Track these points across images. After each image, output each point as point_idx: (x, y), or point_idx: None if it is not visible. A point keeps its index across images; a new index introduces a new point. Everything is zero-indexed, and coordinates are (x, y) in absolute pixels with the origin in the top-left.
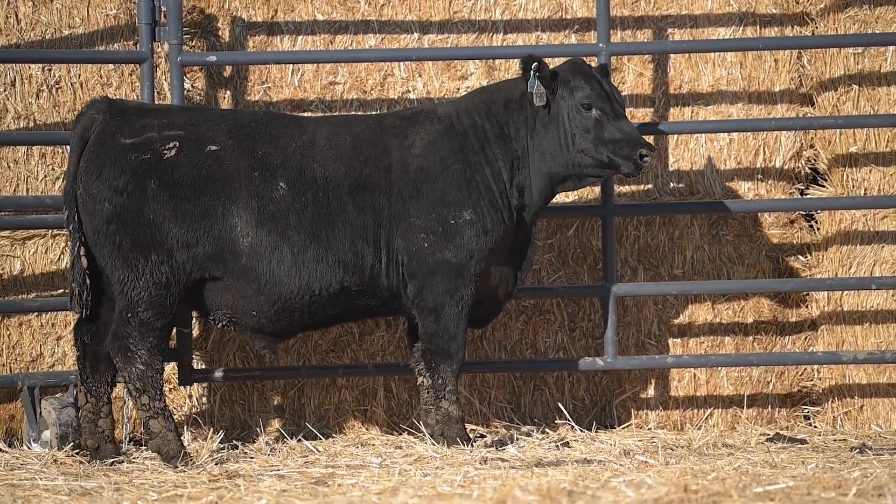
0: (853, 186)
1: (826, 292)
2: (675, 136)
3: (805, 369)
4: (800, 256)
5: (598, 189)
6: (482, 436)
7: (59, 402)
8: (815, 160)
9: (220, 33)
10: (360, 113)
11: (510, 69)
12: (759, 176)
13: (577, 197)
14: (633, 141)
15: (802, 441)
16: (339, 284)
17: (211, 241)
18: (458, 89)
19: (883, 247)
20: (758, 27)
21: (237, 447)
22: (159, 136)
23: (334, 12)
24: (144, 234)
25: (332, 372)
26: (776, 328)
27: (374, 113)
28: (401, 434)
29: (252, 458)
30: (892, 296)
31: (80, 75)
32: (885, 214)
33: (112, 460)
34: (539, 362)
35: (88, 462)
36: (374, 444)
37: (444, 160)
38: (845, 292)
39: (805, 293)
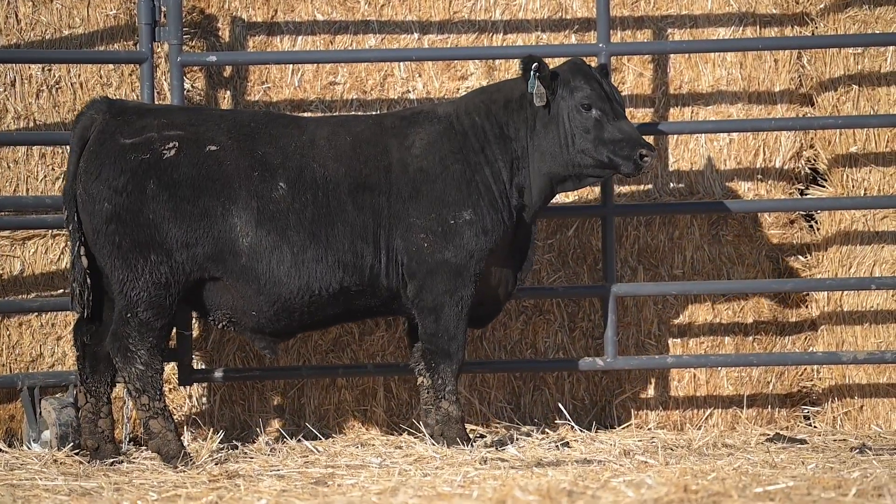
0: (853, 186)
1: (826, 292)
2: (675, 136)
3: (805, 369)
4: (800, 256)
5: (598, 189)
6: (482, 436)
7: (59, 402)
8: (814, 160)
9: (220, 33)
10: (359, 113)
11: (510, 69)
12: (759, 176)
13: (577, 197)
14: (634, 141)
15: (802, 441)
16: (338, 284)
17: (210, 242)
18: (458, 89)
19: (883, 247)
20: (758, 27)
21: (237, 447)
22: (159, 136)
23: (334, 12)
24: (144, 235)
25: (332, 372)
26: (776, 328)
27: (373, 113)
28: (401, 434)
29: (252, 458)
30: (892, 296)
31: (80, 75)
32: (885, 214)
33: (112, 460)
34: (539, 362)
35: (88, 462)
36: (373, 445)
37: (443, 160)
38: (845, 292)
39: (805, 293)
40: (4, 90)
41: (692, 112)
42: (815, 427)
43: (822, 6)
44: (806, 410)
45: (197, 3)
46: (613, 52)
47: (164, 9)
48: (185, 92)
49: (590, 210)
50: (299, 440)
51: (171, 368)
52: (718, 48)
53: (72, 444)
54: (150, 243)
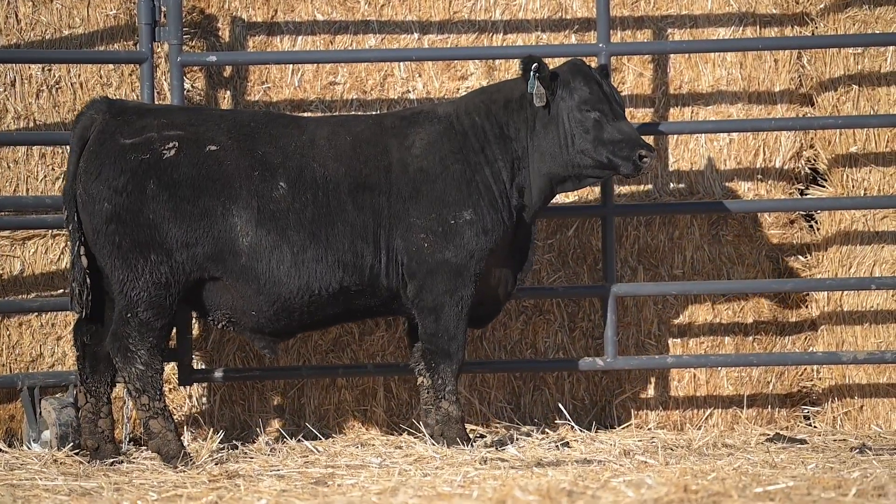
0: (853, 186)
1: (826, 292)
2: (675, 136)
3: (805, 369)
4: (800, 256)
5: (598, 189)
6: (482, 436)
7: (59, 402)
8: (814, 160)
9: (219, 33)
10: (359, 113)
11: (510, 69)
12: (759, 176)
13: (577, 197)
14: (633, 142)
15: (802, 441)
16: (338, 284)
17: (210, 241)
18: (458, 89)
19: (883, 247)
20: (758, 27)
21: (237, 447)
22: (159, 136)
23: (334, 12)
24: (144, 235)
25: (332, 372)
26: (776, 328)
27: (373, 113)
28: (401, 434)
29: (252, 458)
30: (892, 296)
31: (80, 75)
32: (885, 214)
33: (112, 460)
34: (539, 362)
35: (88, 462)
36: (373, 445)
37: (443, 160)
38: (845, 292)
39: (805, 293)
40: (4, 90)
41: (692, 112)
42: (815, 427)
43: (822, 6)
44: (806, 410)
45: (197, 3)
46: (613, 52)
47: (164, 9)
48: (185, 92)
49: (590, 210)
50: (299, 440)
51: (171, 368)
52: (718, 48)
53: (72, 444)
54: (150, 243)
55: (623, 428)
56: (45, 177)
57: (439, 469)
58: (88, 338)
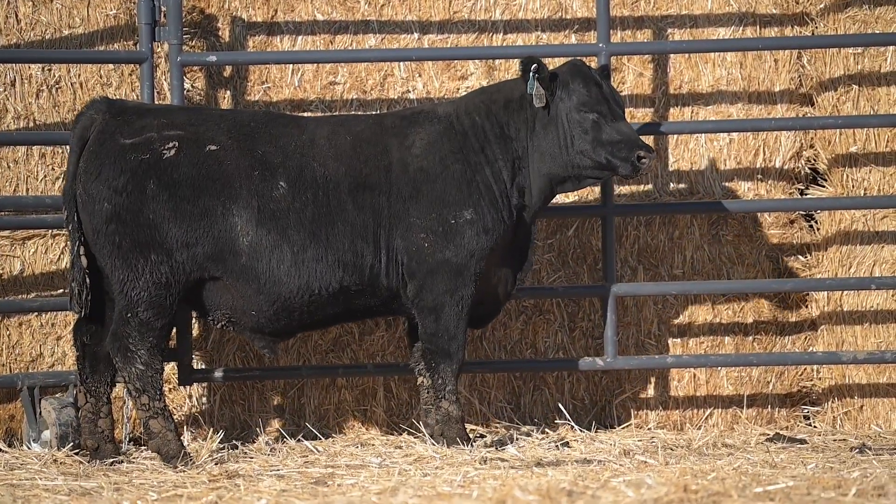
0: (853, 186)
1: (826, 292)
2: (675, 136)
3: (805, 369)
4: (800, 256)
5: (598, 189)
6: (482, 436)
7: (59, 402)
8: (814, 160)
9: (219, 33)
10: (359, 113)
11: (510, 69)
12: (759, 176)
13: (577, 197)
14: (631, 143)
15: (802, 441)
16: (338, 284)
17: (210, 241)
18: (458, 89)
19: (883, 247)
20: (758, 27)
21: (237, 447)
22: (159, 136)
23: (334, 12)
24: (144, 234)
25: (332, 372)
26: (776, 328)
27: (373, 113)
28: (401, 434)
29: (252, 458)
30: (892, 296)
31: (79, 75)
32: (885, 214)
33: (112, 460)
34: (539, 362)
35: (88, 462)
36: (373, 444)
37: (444, 160)
38: (845, 292)
39: (805, 293)
40: (4, 90)
41: (692, 112)
42: (814, 427)
43: (822, 6)
44: (806, 410)
45: (197, 3)
46: (613, 51)
47: (164, 9)
48: (185, 92)
49: (590, 210)
50: (299, 440)
51: (171, 368)
52: (718, 48)
53: (72, 443)
54: (151, 243)
55: (623, 428)
56: (45, 177)
57: (439, 469)
58: (88, 338)
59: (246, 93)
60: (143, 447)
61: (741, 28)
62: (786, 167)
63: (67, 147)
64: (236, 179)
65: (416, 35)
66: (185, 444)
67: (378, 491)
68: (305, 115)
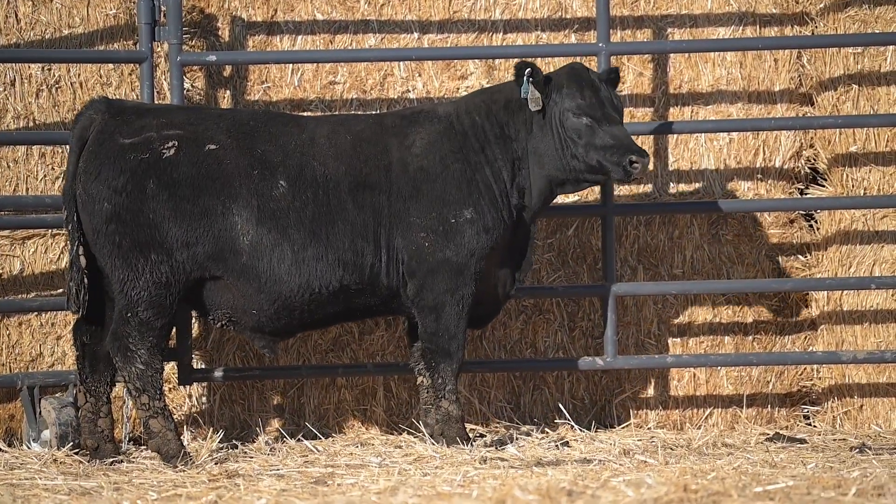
0: (853, 186)
1: (826, 292)
2: (675, 135)
3: (805, 369)
4: (799, 256)
5: (598, 188)
6: (482, 435)
7: (59, 401)
8: (814, 160)
9: (219, 33)
10: (359, 112)
11: (510, 69)
12: (759, 175)
13: (577, 196)
14: (624, 147)
15: (802, 441)
16: (338, 283)
17: (211, 240)
18: (458, 89)
19: (882, 246)
20: (757, 27)
21: (237, 447)
22: (158, 136)
23: (334, 12)
24: (144, 234)
25: (332, 371)
26: (776, 328)
27: (374, 112)
28: (400, 434)
29: (252, 457)
30: (892, 295)
31: (79, 75)
32: (885, 214)
33: (111, 460)
34: (539, 362)
35: (88, 462)
36: (373, 444)
37: (444, 159)
38: (845, 292)
39: (805, 293)
40: (4, 90)
41: (692, 112)
42: (814, 427)
43: (821, 6)
44: (806, 410)
45: (197, 3)
46: (613, 51)
47: (163, 8)
48: (184, 91)
49: (590, 209)
50: (299, 440)
51: (170, 368)
52: (718, 48)
53: (71, 443)
54: (151, 243)
55: (623, 427)
56: (45, 176)
57: (439, 468)
58: (88, 337)
59: (246, 92)
60: (142, 447)
61: (741, 27)
62: (786, 167)
63: (67, 147)
64: (236, 178)
65: (415, 35)
66: (185, 443)
67: (378, 490)
68: (305, 114)
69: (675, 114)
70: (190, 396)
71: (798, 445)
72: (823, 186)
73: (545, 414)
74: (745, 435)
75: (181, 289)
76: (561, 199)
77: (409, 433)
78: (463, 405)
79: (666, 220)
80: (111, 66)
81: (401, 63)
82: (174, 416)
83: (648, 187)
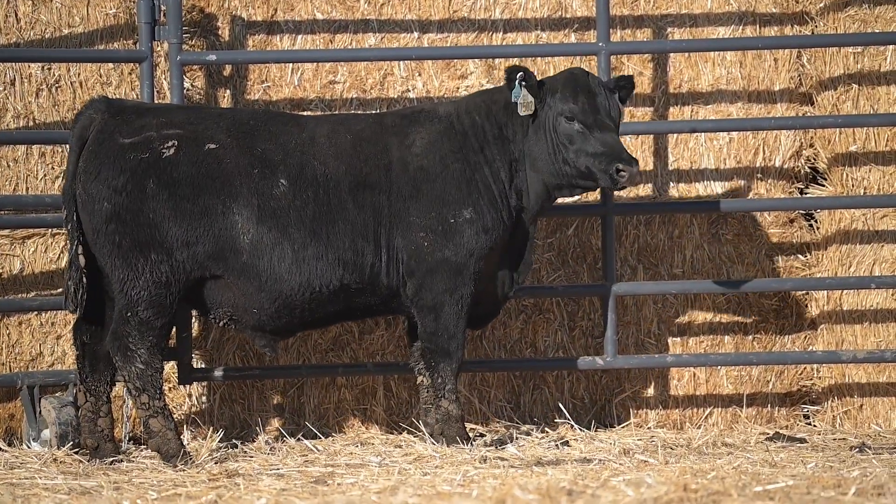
0: (853, 185)
1: (826, 291)
2: (675, 135)
3: (805, 368)
4: (799, 256)
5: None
6: (482, 435)
7: (59, 400)
8: (814, 159)
9: (219, 32)
10: (359, 112)
11: None
12: (759, 175)
13: (577, 196)
14: (612, 155)
15: (802, 440)
16: (339, 282)
17: (211, 240)
18: (458, 88)
19: (882, 246)
20: (757, 26)
21: (237, 446)
22: (158, 136)
23: (334, 11)
24: (144, 234)
25: (332, 371)
26: (776, 327)
27: (374, 112)
28: (400, 433)
29: (252, 457)
30: (892, 295)
31: (79, 74)
32: (885, 213)
33: (111, 459)
34: (539, 361)
35: (88, 461)
36: (373, 443)
37: (443, 159)
38: (845, 291)
39: (805, 292)
40: (4, 89)
41: (692, 111)
42: (814, 426)
43: (821, 5)
44: (805, 409)
45: (197, 2)
46: (613, 50)
47: (163, 8)
48: (184, 91)
49: (590, 209)
50: (299, 439)
51: (170, 367)
52: (718, 47)
53: (71, 443)
54: (151, 242)
55: (623, 427)
56: (45, 176)
57: (439, 468)
58: (88, 337)
59: (246, 92)
60: (142, 446)
61: (741, 27)
62: (785, 166)
63: (67, 146)
64: (236, 177)
65: (415, 34)
66: (185, 443)
67: (378, 490)
68: (305, 113)
69: (674, 113)
70: (190, 396)
71: (798, 445)
72: (823, 186)
73: (545, 413)
74: (744, 434)
75: (181, 288)
76: (561, 198)
77: (409, 432)
78: (463, 405)
79: (666, 219)
80: (111, 65)
81: (401, 62)
82: (174, 416)
83: (648, 187)
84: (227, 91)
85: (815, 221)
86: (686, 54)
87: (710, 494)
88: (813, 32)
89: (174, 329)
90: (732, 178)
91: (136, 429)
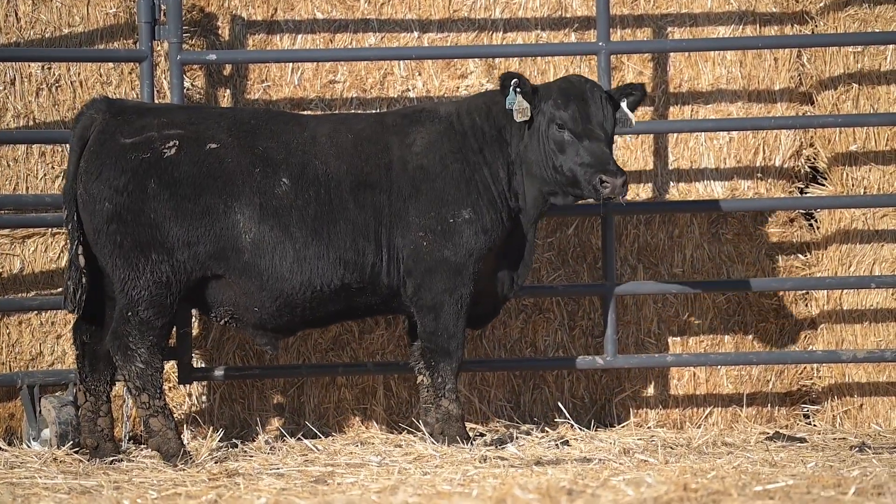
0: (853, 185)
1: (826, 291)
2: (675, 134)
3: (804, 368)
4: (799, 255)
5: None
6: (482, 434)
7: (59, 400)
8: (814, 159)
9: (219, 32)
10: (360, 111)
11: (510, 68)
12: (759, 174)
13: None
14: (597, 166)
15: (802, 440)
16: (340, 281)
17: (212, 240)
18: (458, 88)
19: (882, 245)
20: (757, 26)
21: (237, 446)
22: (159, 135)
23: (334, 11)
24: (145, 234)
25: (332, 370)
26: (776, 327)
27: (375, 111)
28: (400, 433)
29: (252, 456)
30: (892, 294)
31: (79, 74)
32: (885, 213)
33: (111, 459)
34: (539, 361)
35: (88, 460)
36: (373, 443)
37: (443, 159)
38: (845, 291)
39: (805, 292)
40: (4, 88)
41: (692, 110)
42: (814, 426)
43: (821, 4)
44: (805, 409)
45: (197, 2)
46: (613, 50)
47: (163, 7)
48: (184, 90)
49: (590, 208)
50: (299, 439)
51: (170, 367)
52: (718, 46)
53: (71, 442)
54: (152, 242)
55: (623, 426)
56: (45, 175)
57: (439, 467)
58: (88, 336)
59: (246, 91)
60: (142, 445)
61: (741, 26)
62: (786, 166)
63: (67, 146)
64: (238, 177)
65: (415, 34)
66: (185, 442)
67: (378, 489)
68: (306, 113)
69: (675, 113)
70: (190, 395)
71: (798, 444)
72: (823, 185)
73: (545, 413)
74: (744, 434)
75: (182, 288)
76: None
77: (409, 432)
78: (463, 404)
79: (666, 219)
80: (111, 64)
81: (401, 62)
82: (174, 415)
83: (648, 186)
84: (227, 90)
85: (815, 221)
86: (686, 54)
87: (710, 494)
88: (813, 32)
89: (174, 328)
90: (732, 178)
91: (136, 428)
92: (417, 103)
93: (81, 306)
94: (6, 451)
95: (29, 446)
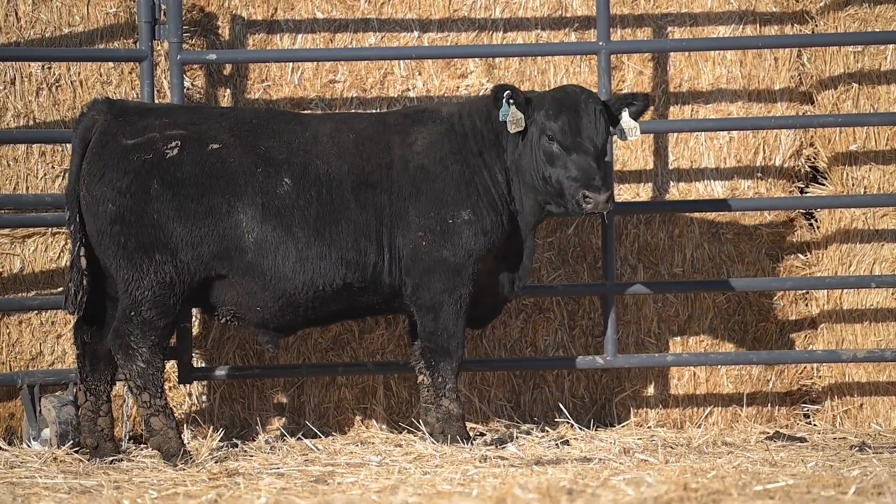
0: (853, 185)
1: (826, 290)
2: (675, 134)
3: (805, 368)
4: (799, 255)
5: None
6: (482, 434)
7: (59, 400)
8: (814, 158)
9: (219, 31)
10: (361, 111)
11: (510, 67)
12: (759, 174)
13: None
14: (582, 180)
15: (802, 439)
16: (342, 281)
17: (216, 240)
18: (458, 88)
19: (883, 245)
20: (758, 25)
21: (237, 445)
22: (161, 136)
23: (334, 10)
24: (148, 235)
25: (332, 370)
26: (776, 327)
27: (376, 110)
28: (401, 432)
29: (252, 456)
30: (892, 294)
31: (79, 73)
32: (885, 213)
33: (111, 458)
34: (539, 360)
35: (88, 460)
36: (373, 443)
37: (443, 160)
38: (845, 290)
39: (805, 291)
40: (4, 88)
41: (692, 110)
42: (814, 425)
43: (821, 4)
44: (806, 409)
45: (197, 2)
46: (613, 50)
47: (163, 7)
48: (185, 90)
49: None
50: (299, 438)
51: (171, 366)
52: (718, 46)
53: (71, 442)
54: (155, 243)
55: (623, 426)
56: (45, 175)
57: (439, 467)
58: (88, 336)
59: (246, 91)
60: (142, 445)
61: (741, 26)
62: (786, 165)
63: (67, 145)
64: (240, 176)
65: (415, 33)
66: (186, 442)
67: (378, 489)
68: (307, 112)
69: (675, 112)
70: (190, 395)
71: (798, 444)
72: (823, 185)
73: (545, 412)
74: (745, 433)
75: (185, 289)
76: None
77: (409, 432)
78: (463, 404)
79: (666, 218)
80: (111, 64)
81: (401, 62)
82: (174, 415)
83: (648, 186)
84: (228, 90)
85: (816, 221)
86: (686, 53)
87: (710, 493)
88: (813, 31)
89: (175, 328)
90: (732, 178)
91: (136, 428)
92: (419, 103)
93: (82, 308)
94: (6, 450)
95: (29, 446)
